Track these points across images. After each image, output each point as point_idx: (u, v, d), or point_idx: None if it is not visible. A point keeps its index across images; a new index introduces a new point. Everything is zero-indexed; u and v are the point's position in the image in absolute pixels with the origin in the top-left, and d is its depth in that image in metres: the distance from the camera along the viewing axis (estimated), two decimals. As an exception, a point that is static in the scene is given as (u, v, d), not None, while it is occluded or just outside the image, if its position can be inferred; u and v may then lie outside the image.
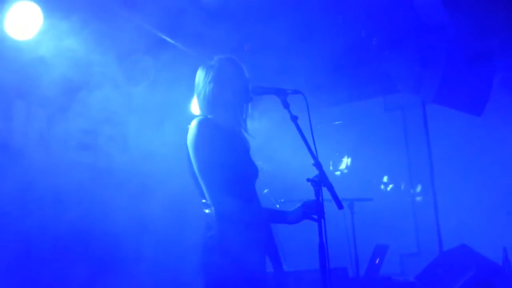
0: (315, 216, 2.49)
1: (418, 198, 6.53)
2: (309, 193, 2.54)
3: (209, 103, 2.80)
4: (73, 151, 4.63)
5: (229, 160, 2.64)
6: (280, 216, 2.70)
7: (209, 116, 2.81)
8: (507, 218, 5.68)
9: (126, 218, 4.59)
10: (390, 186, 6.71)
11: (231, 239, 2.57)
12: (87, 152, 4.79)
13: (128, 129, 5.03)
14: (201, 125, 2.66)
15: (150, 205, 5.00)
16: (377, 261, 4.81)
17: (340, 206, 2.45)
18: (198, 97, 2.85)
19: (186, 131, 2.70)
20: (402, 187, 6.64)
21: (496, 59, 5.61)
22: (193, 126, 2.66)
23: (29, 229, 4.05)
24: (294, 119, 2.61)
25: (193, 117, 2.73)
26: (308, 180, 2.48)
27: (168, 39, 4.87)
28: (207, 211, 2.66)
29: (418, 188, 6.55)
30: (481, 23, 4.96)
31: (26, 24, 3.79)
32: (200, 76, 2.86)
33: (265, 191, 4.97)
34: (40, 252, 4.16)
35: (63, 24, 3.93)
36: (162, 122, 4.88)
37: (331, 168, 7.01)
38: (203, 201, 2.68)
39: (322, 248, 2.37)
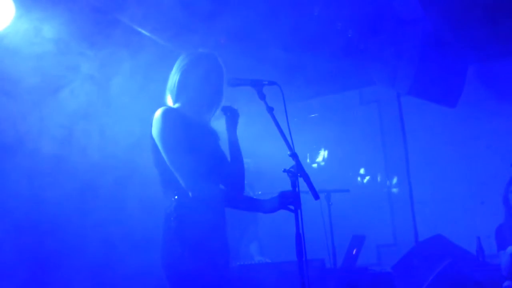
0: (292, 207, 2.49)
1: (394, 190, 6.59)
2: (286, 186, 2.54)
3: (175, 91, 2.80)
4: (48, 146, 4.56)
5: (197, 147, 2.63)
6: (257, 204, 2.70)
7: (175, 105, 2.80)
8: (480, 208, 5.77)
9: (103, 212, 4.55)
10: (367, 178, 6.76)
11: (191, 229, 2.56)
12: (62, 146, 4.72)
13: (104, 123, 4.97)
14: (166, 114, 2.64)
15: (127, 199, 4.96)
16: (354, 252, 4.84)
17: (316, 196, 2.46)
18: (169, 84, 2.85)
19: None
20: (379, 178, 6.69)
21: (470, 52, 5.68)
22: (157, 116, 2.65)
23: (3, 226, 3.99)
24: (270, 110, 2.61)
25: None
26: (284, 170, 2.48)
27: (144, 32, 4.82)
28: (167, 202, 2.65)
29: (394, 180, 6.61)
30: (455, 16, 5.01)
31: (-3, 15, 3.72)
32: (177, 63, 2.85)
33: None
34: (19, 250, 4.10)
35: (36, 16, 3.86)
36: (140, 116, 4.83)
37: (308, 160, 7.03)
38: (164, 192, 2.68)
39: (299, 239, 2.38)
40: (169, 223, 2.59)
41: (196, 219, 2.58)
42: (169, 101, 2.87)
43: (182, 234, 2.56)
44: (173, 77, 2.81)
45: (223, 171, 2.83)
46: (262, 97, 2.65)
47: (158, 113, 2.65)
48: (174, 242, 2.56)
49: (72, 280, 4.47)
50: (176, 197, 2.61)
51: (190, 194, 2.56)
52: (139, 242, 4.89)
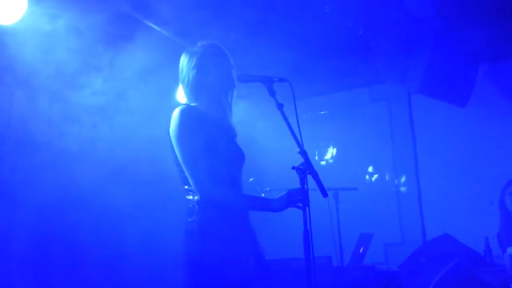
0: (300, 204, 2.48)
1: (403, 189, 6.58)
2: (294, 183, 2.54)
3: (193, 90, 2.77)
4: (57, 139, 4.58)
5: (213, 147, 2.61)
6: (265, 204, 2.65)
7: (193, 104, 2.78)
8: (489, 209, 5.75)
9: (111, 206, 4.57)
10: (375, 176, 6.75)
11: (213, 225, 2.55)
12: (71, 139, 4.74)
13: (116, 117, 4.98)
14: (183, 113, 2.63)
15: (145, 195, 4.99)
16: (361, 250, 4.84)
17: (324, 194, 2.45)
18: (183, 84, 2.82)
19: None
20: (387, 177, 6.68)
21: (481, 51, 5.66)
22: (175, 115, 2.63)
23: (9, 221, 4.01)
24: (280, 107, 2.60)
25: (177, 105, 2.71)
26: (293, 168, 2.46)
27: (154, 26, 4.83)
28: (189, 197, 2.65)
29: (403, 179, 6.60)
30: (466, 15, 4.99)
31: (10, 8, 3.73)
32: (183, 62, 2.81)
33: (251, 179, 4.96)
34: (26, 246, 4.12)
35: (47, 8, 3.87)
36: (150, 112, 4.84)
37: (316, 158, 7.03)
38: (186, 187, 2.67)
39: (307, 236, 2.38)
40: (192, 218, 2.59)
41: (219, 216, 2.58)
42: (183, 98, 2.86)
43: (204, 230, 2.55)
44: (188, 75, 2.78)
45: (237, 172, 2.80)
46: (272, 93, 2.64)
47: (176, 112, 2.64)
48: (196, 237, 2.55)
49: (88, 275, 4.50)
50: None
51: (198, 196, 2.56)
52: (157, 239, 4.90)
